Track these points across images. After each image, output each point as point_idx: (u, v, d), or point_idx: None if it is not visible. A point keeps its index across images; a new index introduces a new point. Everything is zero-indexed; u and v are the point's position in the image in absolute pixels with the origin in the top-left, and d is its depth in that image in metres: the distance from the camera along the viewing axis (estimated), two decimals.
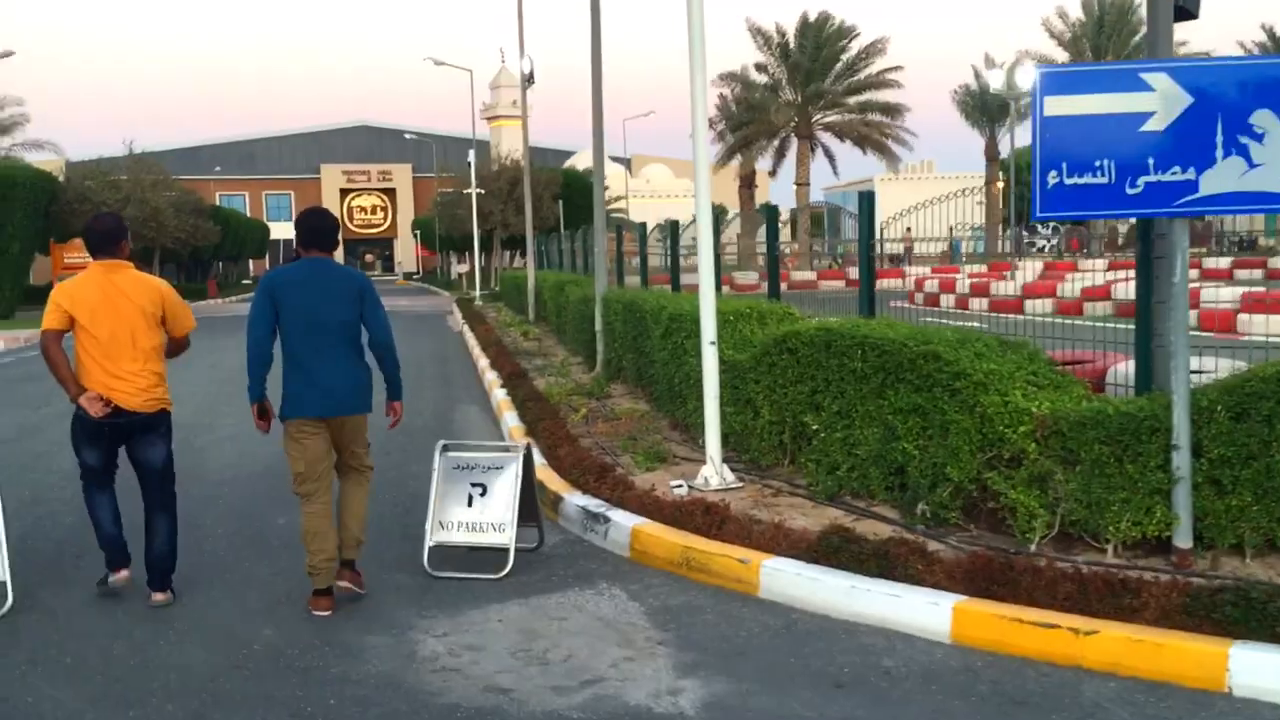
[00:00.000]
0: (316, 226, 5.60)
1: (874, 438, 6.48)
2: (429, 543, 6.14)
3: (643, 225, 16.32)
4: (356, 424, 5.69)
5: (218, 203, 64.35)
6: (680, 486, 7.23)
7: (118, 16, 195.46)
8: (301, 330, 5.43)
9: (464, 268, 51.73)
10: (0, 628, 5.38)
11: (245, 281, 68.31)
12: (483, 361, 16.34)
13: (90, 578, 5.96)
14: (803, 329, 7.26)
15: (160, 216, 38.41)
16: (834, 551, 5.46)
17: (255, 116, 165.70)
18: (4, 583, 5.58)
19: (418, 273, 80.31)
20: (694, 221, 9.12)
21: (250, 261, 77.25)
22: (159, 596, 5.68)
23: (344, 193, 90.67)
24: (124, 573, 5.82)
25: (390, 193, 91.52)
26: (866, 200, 8.24)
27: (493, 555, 6.07)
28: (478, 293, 38.74)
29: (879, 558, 5.31)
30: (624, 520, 6.52)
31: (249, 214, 78.31)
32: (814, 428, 7.01)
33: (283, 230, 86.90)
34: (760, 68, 47.14)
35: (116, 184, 37.89)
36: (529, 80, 27.13)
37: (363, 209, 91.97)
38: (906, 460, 6.23)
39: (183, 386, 14.05)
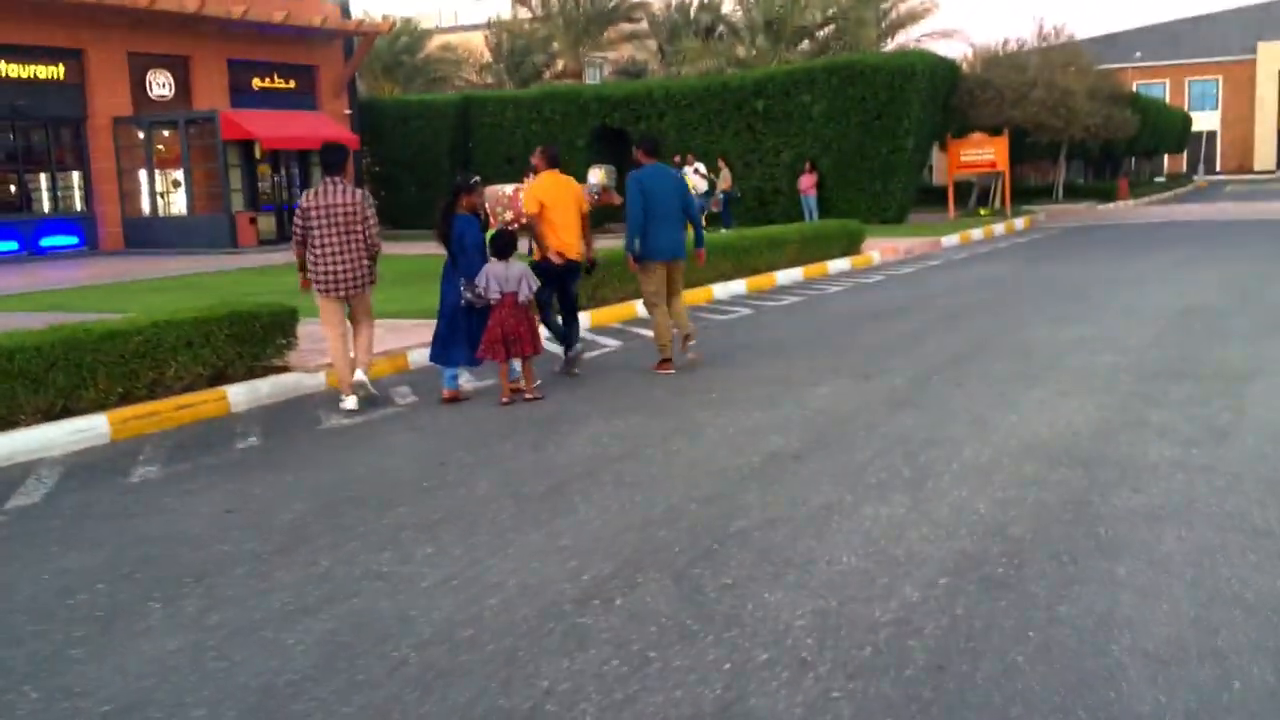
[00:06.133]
0: (649, 139, 9.36)
1: None
2: None
3: None
4: (680, 265, 9.18)
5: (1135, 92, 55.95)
6: None
7: None
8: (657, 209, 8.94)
9: None
10: None
11: (1158, 179, 58.48)
12: None
13: None
14: None
15: (1071, 100, 32.18)
16: None
17: None
18: None
19: None
20: None
21: (1165, 157, 67.00)
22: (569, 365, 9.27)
23: None
24: (562, 346, 9.35)
25: None
26: None
27: None
28: None
29: None
30: None
31: (1169, 102, 68.19)
32: None
33: (1207, 121, 75.31)
34: None
35: (1022, 65, 32.74)
36: None
37: None
38: None
39: (1124, 329, 8.09)
